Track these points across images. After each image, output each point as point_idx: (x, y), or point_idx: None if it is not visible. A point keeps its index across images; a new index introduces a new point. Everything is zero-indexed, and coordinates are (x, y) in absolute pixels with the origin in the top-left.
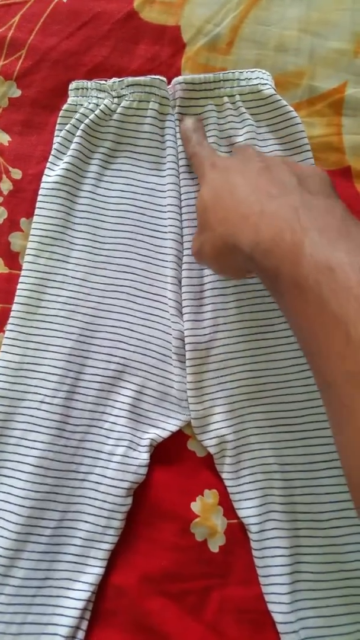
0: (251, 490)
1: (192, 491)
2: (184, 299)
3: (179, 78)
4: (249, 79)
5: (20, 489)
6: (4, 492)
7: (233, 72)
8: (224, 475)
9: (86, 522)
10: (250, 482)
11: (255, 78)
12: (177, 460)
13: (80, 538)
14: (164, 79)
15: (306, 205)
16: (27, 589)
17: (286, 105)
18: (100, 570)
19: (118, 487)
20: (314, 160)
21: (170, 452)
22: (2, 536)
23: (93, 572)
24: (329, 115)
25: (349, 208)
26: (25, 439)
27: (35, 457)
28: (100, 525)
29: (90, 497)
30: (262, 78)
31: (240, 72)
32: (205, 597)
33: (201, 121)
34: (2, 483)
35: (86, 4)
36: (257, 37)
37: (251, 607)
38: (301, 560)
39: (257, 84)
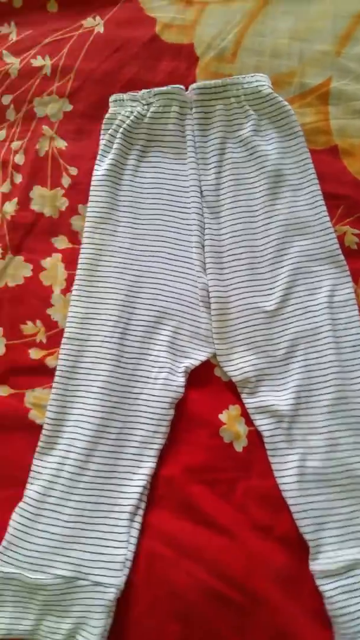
0: (264, 407)
1: (219, 405)
2: (207, 260)
3: (194, 85)
4: (251, 82)
5: (91, 404)
6: (79, 408)
7: (237, 77)
8: (243, 396)
9: (141, 429)
10: (263, 402)
11: (256, 81)
12: (207, 383)
13: (137, 441)
14: (182, 87)
15: None
16: (99, 478)
17: (282, 100)
18: (153, 465)
19: (163, 402)
20: (307, 143)
21: (201, 377)
22: (79, 439)
23: (147, 466)
24: (317, 105)
25: (337, 180)
26: (93, 369)
27: (101, 381)
28: (151, 431)
29: (142, 410)
30: (261, 80)
31: (244, 77)
32: (233, 486)
33: None
34: (77, 402)
35: (118, 33)
36: (255, 47)
37: (269, 494)
38: (307, 457)
39: (257, 86)
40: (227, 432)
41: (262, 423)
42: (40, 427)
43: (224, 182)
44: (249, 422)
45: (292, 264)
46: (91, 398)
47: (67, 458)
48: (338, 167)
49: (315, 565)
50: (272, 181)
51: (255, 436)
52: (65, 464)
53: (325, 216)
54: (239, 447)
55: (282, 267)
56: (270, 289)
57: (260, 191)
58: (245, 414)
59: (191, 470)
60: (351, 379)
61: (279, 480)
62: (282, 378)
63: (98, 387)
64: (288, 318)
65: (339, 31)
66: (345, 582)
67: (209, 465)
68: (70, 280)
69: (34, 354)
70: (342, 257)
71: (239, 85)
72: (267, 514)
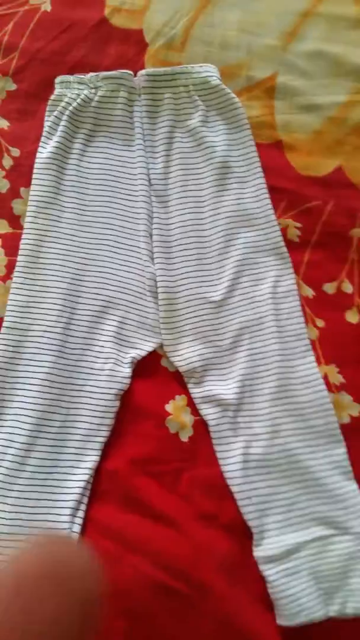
0: (210, 396)
1: (165, 396)
2: (155, 249)
3: (143, 71)
4: (200, 72)
5: (31, 397)
6: (19, 401)
7: (186, 67)
8: (189, 386)
9: (84, 421)
10: (210, 391)
11: (205, 71)
12: (153, 374)
13: (80, 434)
14: (131, 72)
15: None
16: (39, 474)
17: (230, 92)
18: (97, 458)
19: (108, 394)
20: (253, 136)
21: (148, 368)
22: (18, 434)
23: (91, 459)
24: (264, 99)
25: (280, 174)
26: (34, 360)
27: (43, 373)
28: (95, 423)
29: (86, 402)
30: (209, 71)
31: (192, 67)
32: (179, 476)
33: None
34: (16, 394)
35: (66, 13)
36: (205, 37)
37: (214, 483)
38: (250, 445)
39: (206, 76)
40: (173, 422)
41: (208, 412)
42: None
43: (172, 171)
44: (195, 411)
45: (238, 255)
46: (32, 390)
47: (5, 454)
48: (282, 161)
49: (258, 552)
50: (219, 172)
51: (201, 425)
52: (3, 459)
53: (270, 209)
54: (184, 437)
55: (228, 258)
56: (217, 279)
57: (207, 182)
58: (191, 404)
59: (136, 462)
60: (293, 367)
61: (223, 468)
62: (228, 367)
63: (39, 378)
64: (234, 308)
65: (285, 27)
66: (286, 565)
67: (154, 456)
68: (10, 267)
69: None
70: (285, 249)
71: (188, 75)
72: (212, 502)
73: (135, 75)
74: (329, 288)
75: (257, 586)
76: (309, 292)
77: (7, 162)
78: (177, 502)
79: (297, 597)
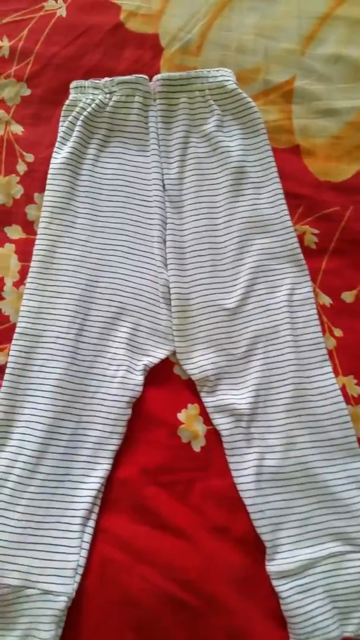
0: (223, 406)
1: (178, 404)
2: (169, 256)
3: (159, 76)
4: (216, 76)
5: (43, 404)
6: (30, 407)
7: (202, 71)
8: (202, 395)
9: (95, 429)
10: (223, 401)
11: (221, 75)
12: (166, 381)
13: (92, 442)
14: (146, 77)
15: None
16: (50, 481)
17: (246, 96)
18: (108, 467)
19: (120, 401)
20: (269, 141)
21: (160, 375)
22: (30, 441)
23: (102, 468)
24: (281, 103)
25: (298, 180)
26: (46, 367)
27: (54, 379)
28: (107, 432)
29: (98, 410)
30: (226, 75)
31: (208, 71)
32: (190, 487)
33: None
34: (28, 401)
35: (81, 18)
36: (221, 41)
37: (227, 494)
38: (264, 457)
39: (222, 81)
40: (185, 431)
41: (221, 422)
42: None
43: (186, 177)
44: (208, 421)
45: (253, 261)
46: (43, 397)
47: (17, 461)
48: (299, 166)
49: (271, 566)
50: (234, 178)
51: (214, 435)
52: (14, 467)
53: (286, 215)
54: (197, 446)
55: (243, 265)
56: (232, 286)
57: (222, 187)
58: (203, 413)
59: (147, 471)
60: (309, 377)
61: (236, 480)
62: (242, 376)
63: (51, 385)
64: (249, 316)
65: (303, 31)
66: (300, 582)
67: (166, 466)
68: (23, 273)
69: None
70: (301, 256)
71: (204, 79)
72: (224, 514)
73: (150, 80)
74: (348, 296)
75: (269, 602)
76: (327, 301)
77: (22, 168)
78: (188, 514)
79: (311, 615)
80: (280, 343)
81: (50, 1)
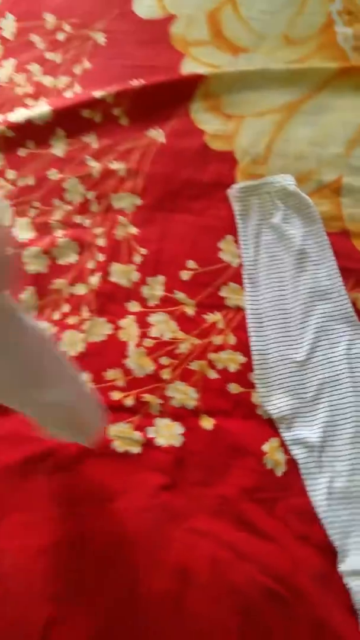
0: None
1: (262, 438)
2: (249, 319)
3: (235, 185)
4: (280, 182)
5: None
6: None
7: (269, 178)
8: (281, 430)
9: None
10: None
11: (284, 180)
12: (251, 419)
13: None
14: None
15: None
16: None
17: (304, 195)
18: None
19: None
20: (324, 227)
21: (247, 416)
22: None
23: None
24: (331, 197)
25: (348, 257)
26: None
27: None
28: None
29: None
30: (287, 180)
31: (274, 178)
32: (276, 503)
33: None
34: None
35: (176, 142)
36: (282, 152)
37: (305, 510)
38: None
39: (285, 185)
40: (269, 460)
41: (297, 452)
42: (120, 455)
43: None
44: (287, 451)
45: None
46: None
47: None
48: (349, 246)
49: (342, 566)
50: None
51: (292, 463)
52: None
53: (341, 285)
54: (279, 472)
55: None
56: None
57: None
58: (283, 445)
59: (244, 490)
60: None
61: (312, 498)
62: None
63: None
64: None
65: (348, 136)
66: None
67: (256, 486)
68: (142, 337)
69: (115, 395)
70: (356, 317)
71: (271, 185)
72: (304, 525)
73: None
74: None
75: (344, 595)
76: None
77: (138, 259)
78: (276, 524)
79: None
80: (342, 388)
81: (152, 131)
